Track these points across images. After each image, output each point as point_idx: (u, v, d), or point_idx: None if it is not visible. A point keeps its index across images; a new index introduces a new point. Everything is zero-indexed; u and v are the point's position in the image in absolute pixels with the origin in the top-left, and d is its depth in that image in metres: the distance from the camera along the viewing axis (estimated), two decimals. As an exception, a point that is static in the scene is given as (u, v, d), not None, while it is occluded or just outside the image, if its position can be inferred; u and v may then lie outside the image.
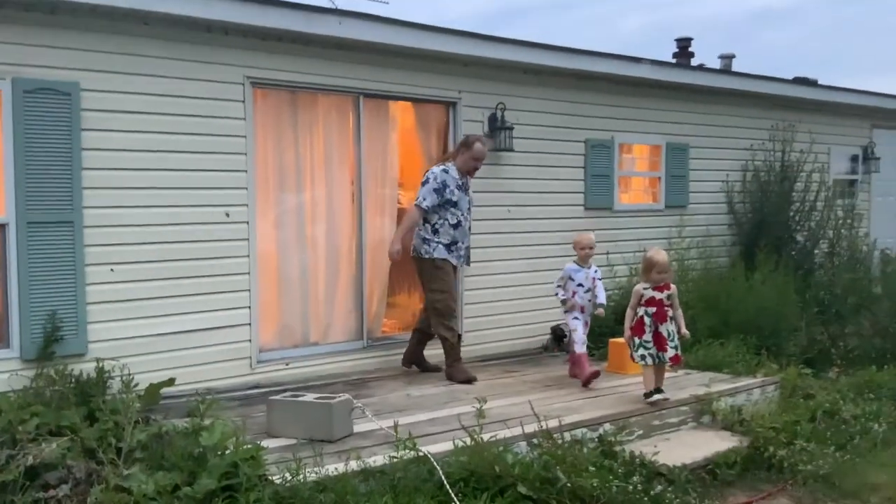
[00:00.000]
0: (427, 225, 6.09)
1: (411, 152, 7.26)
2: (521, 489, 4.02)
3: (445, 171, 6.07)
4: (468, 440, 4.28)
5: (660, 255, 5.36)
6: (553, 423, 4.66)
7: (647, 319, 5.26)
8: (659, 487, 4.38)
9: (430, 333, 6.27)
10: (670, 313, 5.27)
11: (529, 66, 7.47)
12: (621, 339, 6.72)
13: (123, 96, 5.33)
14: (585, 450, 4.66)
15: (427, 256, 6.07)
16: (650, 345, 5.24)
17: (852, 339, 7.33)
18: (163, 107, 5.51)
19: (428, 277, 6.10)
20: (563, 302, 6.22)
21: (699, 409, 5.52)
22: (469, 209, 6.22)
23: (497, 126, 7.29)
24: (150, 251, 5.48)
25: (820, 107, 10.40)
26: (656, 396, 5.26)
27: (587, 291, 6.20)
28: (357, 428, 4.71)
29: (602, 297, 6.22)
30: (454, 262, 6.17)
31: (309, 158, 6.51)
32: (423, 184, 6.06)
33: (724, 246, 9.14)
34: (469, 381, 5.95)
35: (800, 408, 5.72)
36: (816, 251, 8.96)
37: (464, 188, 6.17)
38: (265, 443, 4.21)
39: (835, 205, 9.21)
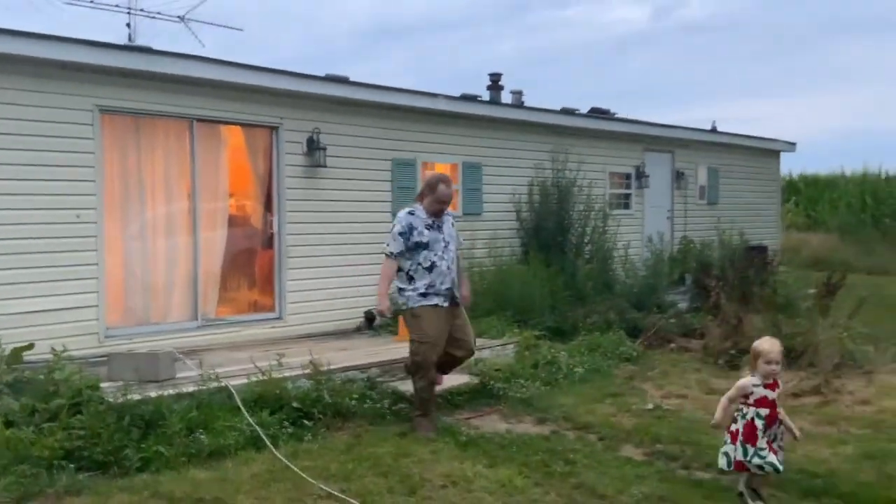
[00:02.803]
0: (402, 273, 5.81)
1: (240, 168, 8.87)
2: (294, 404, 5.69)
3: (411, 214, 5.82)
4: (262, 378, 5.93)
5: (769, 343, 4.51)
6: (331, 367, 6.38)
7: (759, 423, 4.39)
8: (401, 405, 6.17)
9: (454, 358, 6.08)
10: (781, 415, 4.49)
11: (341, 98, 9.22)
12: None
13: (-9, 120, 6.69)
14: (355, 385, 6.39)
15: (405, 308, 5.88)
16: (766, 453, 4.37)
17: (594, 314, 9.45)
18: (26, 129, 6.87)
19: (408, 327, 5.90)
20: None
21: (451, 361, 7.37)
22: (447, 246, 5.82)
23: (314, 147, 8.98)
24: (15, 245, 6.81)
25: (596, 133, 12.72)
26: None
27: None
28: (180, 375, 6.23)
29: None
30: (435, 303, 5.75)
31: (150, 172, 7.98)
32: (391, 229, 5.87)
33: (511, 247, 11.15)
34: (426, 437, 5.56)
35: (528, 359, 7.69)
36: (584, 249, 11.12)
37: (436, 227, 5.81)
38: (104, 385, 5.66)
39: (599, 214, 11.40)
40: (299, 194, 8.96)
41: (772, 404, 4.43)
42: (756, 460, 4.40)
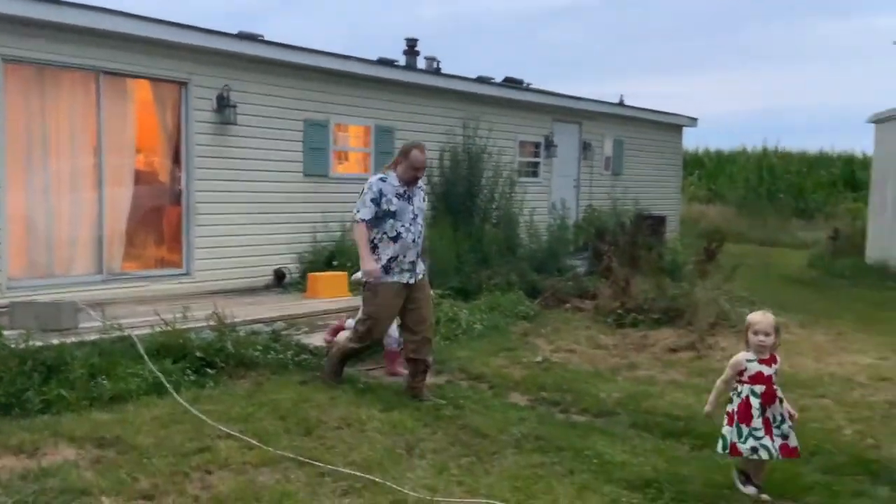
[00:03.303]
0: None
1: (148, 123, 8.84)
2: (198, 354, 5.88)
3: (382, 180, 5.60)
4: (166, 329, 6.09)
5: (760, 315, 4.28)
6: (235, 320, 6.58)
7: (754, 401, 4.13)
8: (304, 356, 6.44)
9: (416, 360, 5.73)
10: (779, 392, 4.21)
11: (253, 56, 9.26)
12: (319, 273, 8.86)
13: None
14: (259, 337, 6.61)
15: (363, 279, 5.68)
16: (761, 433, 4.10)
17: (497, 276, 9.89)
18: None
19: (364, 299, 5.78)
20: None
21: (355, 315, 7.66)
22: (415, 218, 5.63)
23: (224, 104, 9.01)
24: None
25: (508, 102, 13.09)
26: (750, 490, 4.14)
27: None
28: (83, 325, 6.32)
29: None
30: (397, 279, 5.58)
31: (55, 124, 7.89)
32: (361, 195, 5.65)
33: (421, 209, 11.46)
34: (327, 382, 5.75)
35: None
36: (491, 215, 11.53)
37: (406, 197, 5.59)
38: (7, 333, 5.72)
39: (507, 181, 11.82)
40: (208, 151, 9.00)
41: (768, 380, 4.15)
42: (750, 442, 4.09)
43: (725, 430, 4.21)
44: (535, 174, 13.98)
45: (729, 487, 4.24)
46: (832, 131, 53.71)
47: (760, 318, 4.23)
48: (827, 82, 54.07)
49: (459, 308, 8.54)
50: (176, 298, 8.17)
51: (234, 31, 9.25)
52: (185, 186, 8.87)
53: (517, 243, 10.94)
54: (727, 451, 4.19)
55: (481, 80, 12.69)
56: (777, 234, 19.04)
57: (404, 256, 5.59)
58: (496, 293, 9.36)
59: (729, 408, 4.22)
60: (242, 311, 7.20)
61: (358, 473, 4.16)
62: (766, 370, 4.17)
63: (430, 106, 11.76)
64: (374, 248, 5.57)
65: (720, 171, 25.51)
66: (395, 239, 5.55)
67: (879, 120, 13.20)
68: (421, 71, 12.20)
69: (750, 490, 4.13)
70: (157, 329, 6.09)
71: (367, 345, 5.92)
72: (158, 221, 9.25)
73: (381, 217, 5.54)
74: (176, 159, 8.94)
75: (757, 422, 4.11)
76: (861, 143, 30.97)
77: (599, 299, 8.98)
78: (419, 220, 5.70)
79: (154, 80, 8.64)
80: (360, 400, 5.58)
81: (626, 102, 16.30)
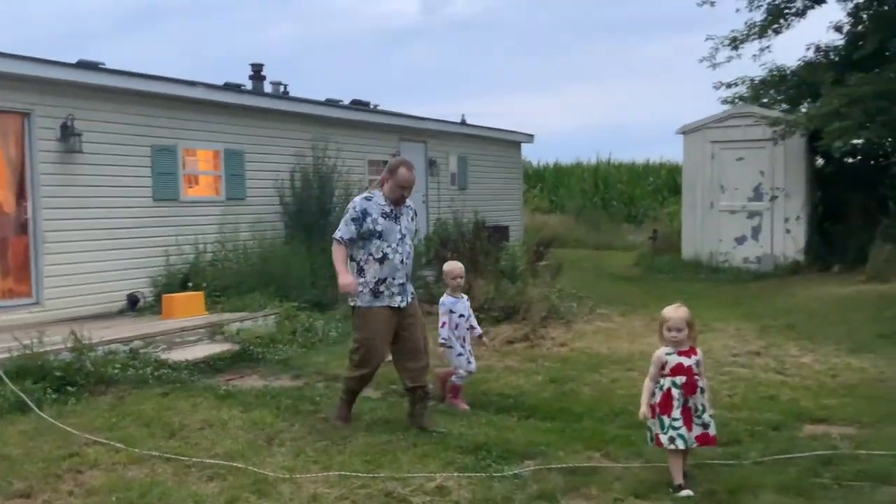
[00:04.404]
0: (353, 263, 5.39)
1: (-10, 154, 8.78)
2: (57, 373, 6.08)
3: (367, 199, 5.37)
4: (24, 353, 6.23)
5: (672, 310, 4.32)
6: (93, 341, 6.78)
7: (675, 392, 4.22)
8: (164, 371, 6.74)
9: (414, 388, 5.45)
10: (700, 383, 4.27)
11: (95, 85, 9.39)
12: (174, 294, 9.08)
13: None
14: (117, 356, 6.85)
15: (352, 304, 5.42)
16: (679, 424, 4.20)
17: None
18: None
19: (354, 325, 5.51)
20: (443, 346, 6.02)
21: (213, 331, 8.02)
22: (402, 239, 5.36)
23: (68, 133, 9.09)
24: None
25: (356, 123, 13.73)
26: (684, 493, 4.11)
27: (466, 321, 6.10)
28: (-66, 355, 6.33)
29: (478, 326, 6.26)
30: (387, 304, 5.31)
31: None
32: (345, 214, 5.44)
33: (274, 229, 11.84)
34: (336, 426, 5.39)
35: (288, 327, 8.51)
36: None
37: (393, 216, 5.34)
38: None
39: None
40: (55, 180, 9.05)
41: (688, 371, 4.22)
42: (670, 432, 4.19)
43: (650, 422, 4.32)
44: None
45: (546, 444, 5.01)
46: (660, 142, 58.15)
47: (672, 313, 4.28)
48: (654, 97, 58.65)
49: (315, 319, 9.04)
50: (28, 327, 8.16)
51: (74, 61, 9.37)
52: (32, 216, 8.87)
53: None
54: (653, 442, 4.33)
55: (329, 102, 13.27)
56: (610, 238, 20.73)
57: (393, 279, 5.31)
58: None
59: (653, 401, 4.30)
60: (98, 334, 7.37)
61: (222, 462, 4.61)
62: (686, 361, 4.25)
63: (279, 129, 12.19)
64: (360, 269, 5.32)
65: (560, 183, 27.24)
66: (382, 261, 5.28)
67: (686, 131, 14.87)
68: (268, 95, 12.63)
69: (685, 493, 4.10)
70: (16, 353, 6.22)
71: (368, 375, 5.48)
72: (4, 252, 9.15)
73: (366, 238, 5.29)
74: (21, 190, 8.91)
75: (676, 412, 4.20)
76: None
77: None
78: (407, 240, 5.42)
79: (-6, 110, 8.62)
80: (222, 404, 5.98)
81: (469, 121, 17.38)
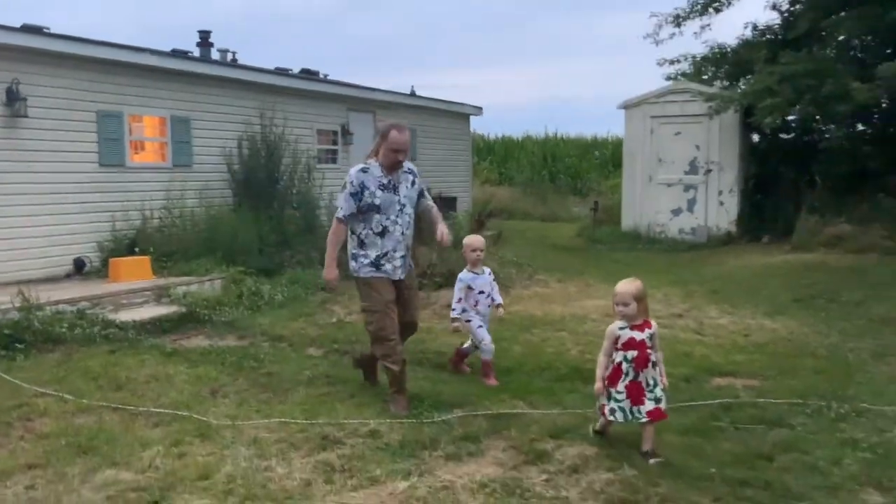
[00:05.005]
0: (354, 236, 5.22)
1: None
2: (6, 331, 6.24)
3: (364, 171, 5.12)
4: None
5: (622, 284, 4.33)
6: (40, 302, 6.93)
7: (625, 366, 4.26)
8: (111, 330, 6.94)
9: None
10: (653, 357, 4.30)
11: (41, 49, 9.38)
12: (120, 258, 9.21)
13: None
14: (65, 315, 7.01)
15: (355, 275, 5.25)
16: (622, 397, 4.26)
17: (299, 254, 10.69)
18: None
19: (360, 296, 5.31)
20: (454, 320, 5.92)
21: (160, 294, 8.22)
22: (402, 209, 5.18)
23: (13, 97, 9.09)
24: None
25: (305, 93, 13.84)
26: (654, 460, 4.15)
27: (487, 297, 5.93)
28: None
29: (499, 298, 6.07)
30: (387, 276, 5.17)
31: None
32: (342, 189, 5.20)
33: (223, 196, 11.95)
34: (399, 415, 4.98)
35: (234, 291, 8.74)
36: (292, 199, 12.26)
37: (391, 187, 5.13)
38: None
39: (306, 167, 12.59)
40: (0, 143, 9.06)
41: (640, 345, 4.25)
42: (612, 404, 4.28)
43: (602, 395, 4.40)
44: (333, 161, 14.83)
45: (475, 395, 5.38)
46: (609, 117, 58.98)
47: (621, 288, 4.29)
48: (607, 72, 59.36)
49: (262, 283, 9.27)
50: (-27, 289, 8.27)
51: (18, 25, 9.33)
52: (-24, 179, 8.88)
53: (317, 224, 11.77)
54: (600, 411, 4.43)
55: (278, 71, 13.35)
56: (557, 210, 21.22)
57: (395, 251, 5.17)
58: (298, 270, 10.17)
59: (606, 374, 4.34)
60: (45, 295, 7.50)
61: (167, 411, 4.88)
62: (639, 335, 4.26)
63: (227, 96, 12.25)
64: (361, 243, 5.15)
65: (509, 156, 27.63)
66: (382, 234, 5.12)
67: (628, 106, 15.30)
68: (215, 62, 12.66)
69: (655, 460, 4.16)
70: (-39, 313, 6.36)
71: (392, 343, 5.11)
72: (-53, 215, 9.17)
73: (364, 211, 5.08)
74: (-36, 152, 8.91)
75: (620, 386, 4.26)
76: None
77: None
78: (407, 210, 5.21)
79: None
80: (168, 361, 6.23)
81: (419, 93, 17.56)
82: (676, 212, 14.92)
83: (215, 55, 13.16)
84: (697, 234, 14.63)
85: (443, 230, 5.24)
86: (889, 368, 6.12)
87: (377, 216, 5.09)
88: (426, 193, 5.48)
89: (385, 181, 5.12)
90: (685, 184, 14.84)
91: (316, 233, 11.62)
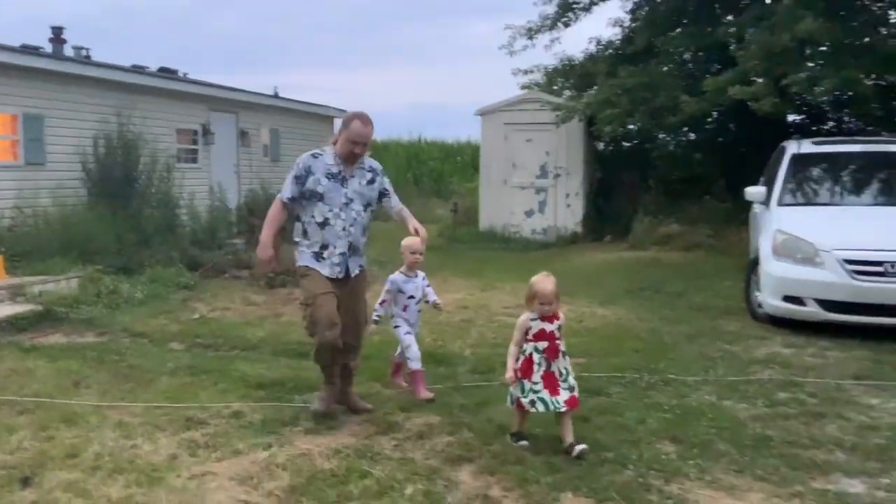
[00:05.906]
0: (298, 224, 4.96)
1: None
2: None
3: (315, 157, 4.90)
4: None
5: (544, 283, 4.42)
6: None
7: (536, 357, 4.36)
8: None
9: (343, 364, 5.06)
10: (562, 347, 4.45)
11: None
12: None
13: None
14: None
15: (296, 263, 4.97)
16: (539, 387, 4.34)
17: (158, 253, 10.70)
18: None
19: (300, 285, 5.05)
20: (376, 323, 5.63)
21: (14, 293, 8.11)
22: (349, 204, 4.86)
23: None
24: None
25: (163, 92, 13.72)
26: (522, 443, 4.44)
27: (418, 303, 5.65)
28: None
29: (435, 297, 5.78)
30: (327, 273, 4.83)
31: None
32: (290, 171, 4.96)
33: (77, 196, 11.71)
34: (315, 412, 4.91)
35: (92, 289, 8.73)
36: (150, 198, 12.18)
37: (339, 178, 4.84)
38: None
39: (165, 166, 12.53)
40: None
41: (550, 336, 4.35)
42: (530, 396, 4.33)
43: (512, 387, 4.44)
44: (194, 160, 14.77)
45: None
46: (470, 122, 60.69)
47: (543, 285, 4.38)
48: (474, 79, 61.03)
49: (121, 282, 9.27)
50: None
51: None
52: None
53: (177, 223, 11.79)
54: (513, 405, 4.46)
55: (135, 68, 13.19)
56: (420, 212, 21.83)
57: (334, 247, 4.83)
58: (158, 268, 10.19)
59: (516, 365, 4.40)
60: None
61: (30, 399, 5.01)
62: (549, 327, 4.37)
63: (82, 94, 12.02)
64: (304, 232, 4.89)
65: (378, 159, 27.89)
66: (323, 225, 4.81)
67: (484, 113, 16.15)
68: (69, 59, 12.38)
69: (522, 443, 4.41)
70: None
71: (327, 339, 4.74)
72: None
73: (308, 198, 4.83)
74: None
75: (536, 377, 4.33)
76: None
77: (253, 268, 10.27)
78: (354, 206, 4.87)
79: None
80: (27, 356, 6.29)
81: (283, 95, 17.70)
82: (529, 213, 15.90)
83: (69, 52, 12.84)
84: (548, 234, 15.67)
85: (415, 225, 5.09)
86: (698, 347, 7.06)
87: (319, 204, 4.81)
88: (393, 195, 5.20)
89: (335, 170, 4.85)
90: (536, 187, 15.85)
91: (176, 232, 11.66)
